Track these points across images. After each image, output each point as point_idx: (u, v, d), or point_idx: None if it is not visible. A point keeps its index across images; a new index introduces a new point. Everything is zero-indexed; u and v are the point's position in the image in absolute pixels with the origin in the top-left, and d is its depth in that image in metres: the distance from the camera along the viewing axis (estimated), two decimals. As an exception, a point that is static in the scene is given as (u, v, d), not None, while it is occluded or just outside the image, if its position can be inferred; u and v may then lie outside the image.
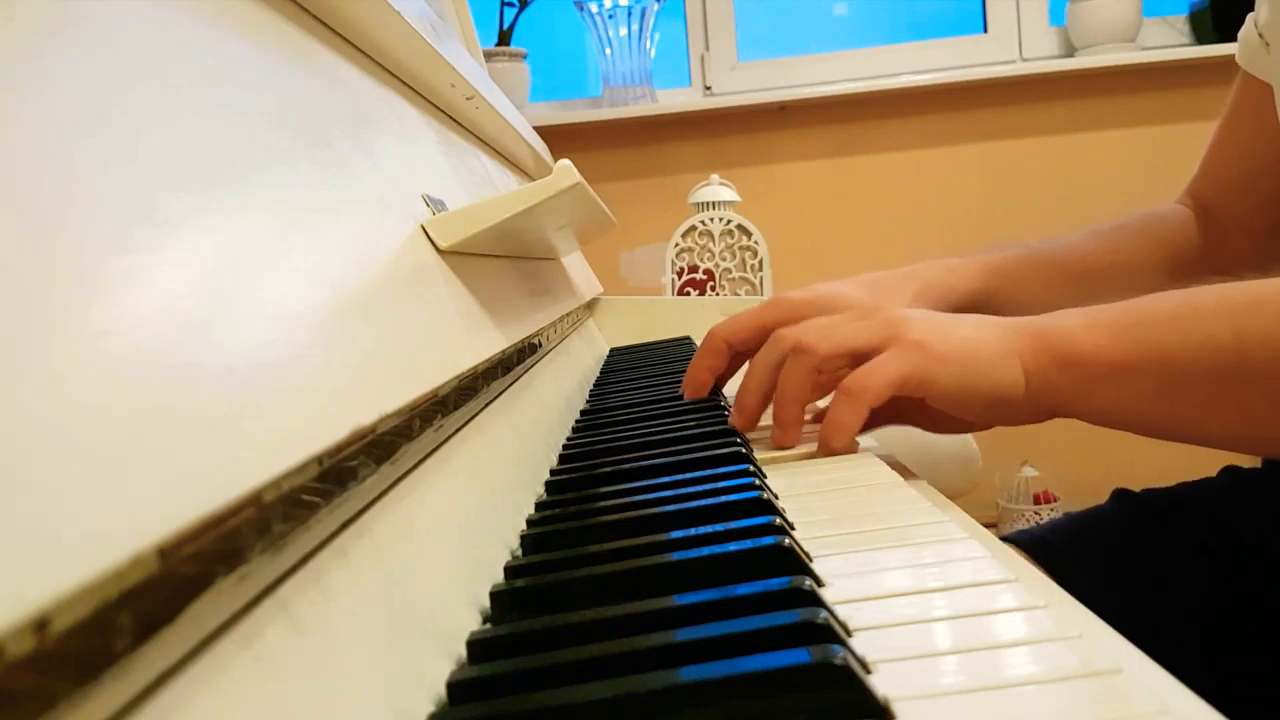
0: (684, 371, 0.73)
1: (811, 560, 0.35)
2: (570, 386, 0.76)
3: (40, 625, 0.14)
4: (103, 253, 0.20)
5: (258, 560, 0.20)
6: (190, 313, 0.22)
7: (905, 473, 0.49)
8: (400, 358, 0.34)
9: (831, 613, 0.29)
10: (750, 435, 0.58)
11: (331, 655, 0.23)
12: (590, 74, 2.42)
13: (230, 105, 0.31)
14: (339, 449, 0.26)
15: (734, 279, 1.60)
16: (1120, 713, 0.23)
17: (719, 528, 0.37)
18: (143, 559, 0.16)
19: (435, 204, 0.50)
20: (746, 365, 0.60)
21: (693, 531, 0.38)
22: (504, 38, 2.21)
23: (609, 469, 0.51)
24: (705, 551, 0.35)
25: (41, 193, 0.19)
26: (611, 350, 1.16)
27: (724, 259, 1.61)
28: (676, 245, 1.62)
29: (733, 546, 0.35)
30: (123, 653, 0.15)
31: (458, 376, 0.40)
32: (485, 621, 0.33)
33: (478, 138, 0.85)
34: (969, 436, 1.31)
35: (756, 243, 1.60)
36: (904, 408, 0.59)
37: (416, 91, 0.64)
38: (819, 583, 0.32)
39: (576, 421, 0.67)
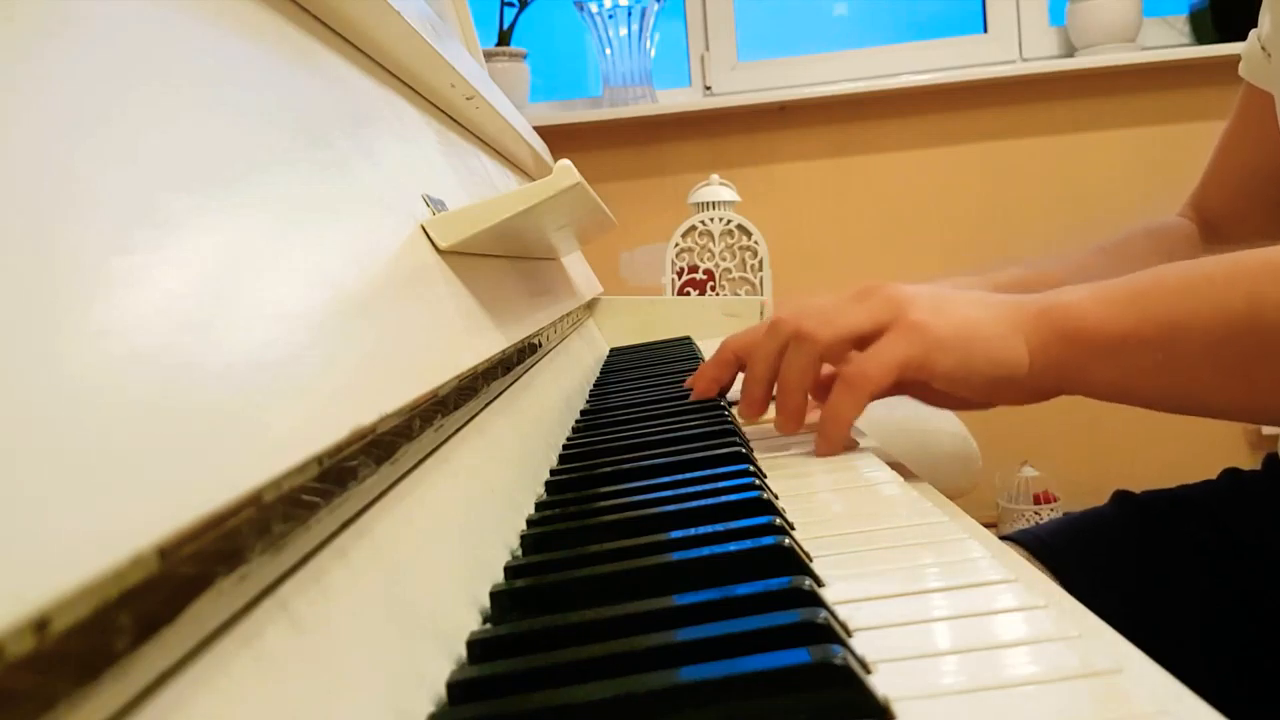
0: (685, 372, 0.73)
1: (811, 560, 0.35)
2: (570, 386, 0.76)
3: (40, 625, 0.14)
4: (103, 253, 0.20)
5: (258, 560, 0.20)
6: (190, 313, 0.22)
7: (905, 473, 0.49)
8: (400, 358, 0.34)
9: (831, 613, 0.29)
10: (750, 429, 0.58)
11: (331, 655, 0.23)
12: (590, 74, 2.42)
13: (230, 105, 0.31)
14: (339, 449, 0.26)
15: (734, 279, 1.60)
16: (1120, 713, 0.23)
17: (719, 528, 0.37)
18: (143, 559, 0.16)
19: (435, 204, 0.50)
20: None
21: (693, 531, 0.38)
22: (504, 38, 2.21)
23: (609, 469, 0.51)
24: (705, 551, 0.35)
25: (41, 193, 0.19)
26: (611, 350, 1.16)
27: (724, 259, 1.61)
28: (676, 245, 1.62)
29: (733, 546, 0.35)
30: (123, 653, 0.15)
31: (458, 376, 0.40)
32: (485, 621, 0.33)
33: (478, 138, 0.85)
34: (969, 437, 1.31)
35: (756, 243, 1.60)
36: (905, 384, 0.58)
37: (416, 91, 0.64)
38: (819, 583, 0.32)
39: (576, 421, 0.67)
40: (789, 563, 0.33)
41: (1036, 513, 2.08)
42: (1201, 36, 2.19)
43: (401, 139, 0.52)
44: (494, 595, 0.34)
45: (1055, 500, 2.10)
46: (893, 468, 0.49)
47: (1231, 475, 0.72)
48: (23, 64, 0.21)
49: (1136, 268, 0.74)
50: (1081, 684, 0.24)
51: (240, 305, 0.24)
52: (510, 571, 0.37)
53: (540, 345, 0.66)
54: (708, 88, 2.33)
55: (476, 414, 0.45)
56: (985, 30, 2.30)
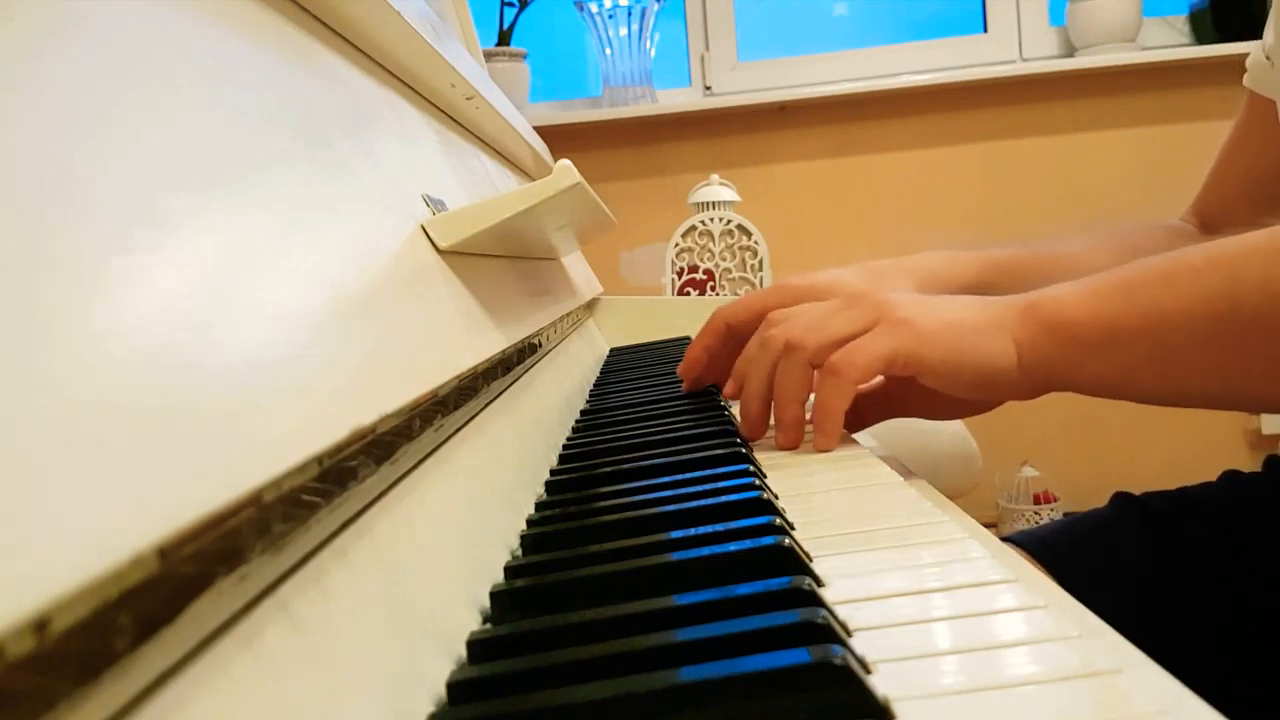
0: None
1: (811, 560, 0.35)
2: (570, 386, 0.76)
3: (40, 625, 0.14)
4: (103, 253, 0.20)
5: (258, 560, 0.20)
6: (190, 312, 0.22)
7: (905, 473, 0.49)
8: (400, 358, 0.34)
9: (831, 613, 0.29)
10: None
11: (331, 655, 0.23)
12: (590, 74, 2.42)
13: (230, 105, 0.31)
14: (339, 449, 0.26)
15: (734, 279, 1.60)
16: (1120, 713, 0.23)
17: (719, 528, 0.37)
18: (143, 559, 0.16)
19: (435, 204, 0.50)
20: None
21: (693, 531, 0.38)
22: (504, 38, 2.21)
23: (609, 469, 0.51)
24: (705, 551, 0.35)
25: (41, 192, 0.19)
26: (611, 350, 1.16)
27: (724, 259, 1.61)
28: (676, 245, 1.62)
29: (733, 546, 0.35)
30: (123, 653, 0.15)
31: (458, 376, 0.40)
32: (485, 621, 0.33)
33: (478, 138, 0.85)
34: (969, 436, 1.31)
35: (756, 243, 1.60)
36: (900, 397, 0.58)
37: (416, 91, 0.64)
38: (819, 583, 0.32)
39: (576, 421, 0.67)
40: (789, 563, 0.33)
41: (1036, 513, 2.08)
42: (1201, 36, 2.19)
43: (401, 139, 0.52)
44: (494, 595, 0.34)
45: (1055, 500, 2.10)
46: (893, 468, 0.49)
47: (1232, 477, 0.72)
48: (23, 64, 0.21)
49: (1131, 258, 0.74)
50: (1081, 684, 0.24)
51: (240, 305, 0.24)
52: (510, 571, 0.37)
53: (540, 345, 0.66)
54: (708, 88, 2.33)
55: (476, 414, 0.45)
56: (985, 30, 2.30)
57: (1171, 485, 0.72)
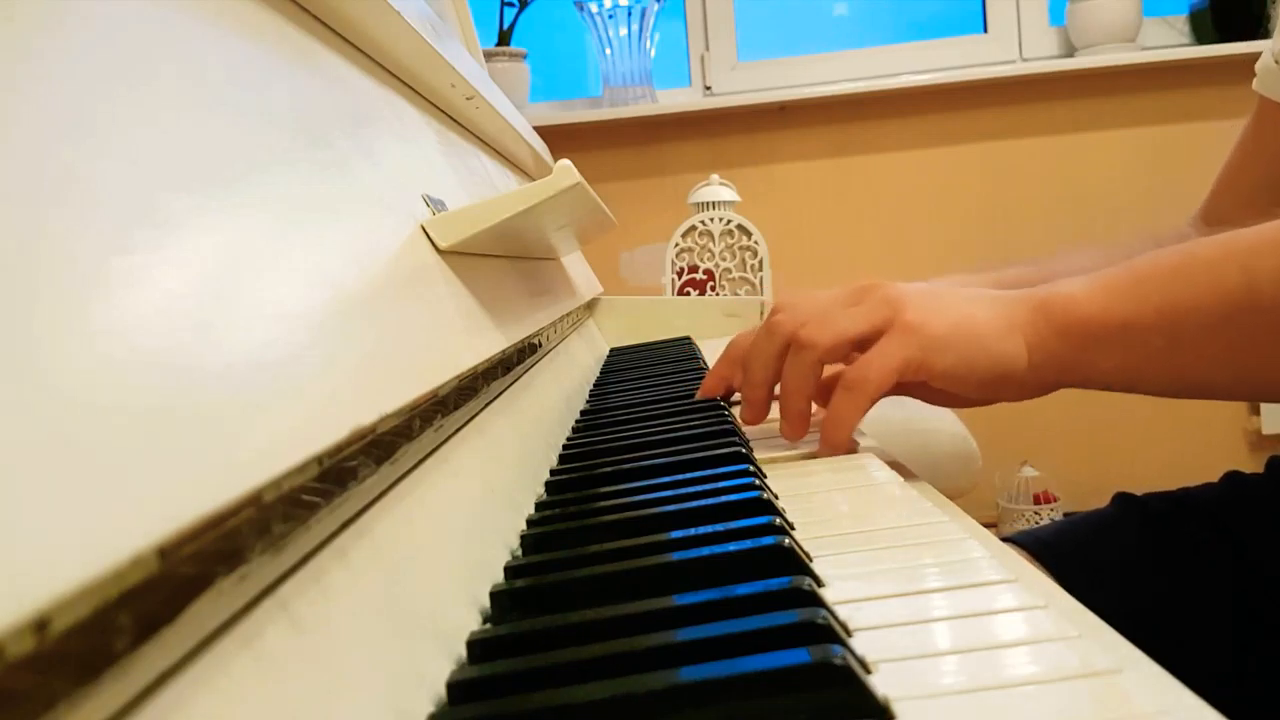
0: (685, 371, 0.73)
1: (811, 560, 0.35)
2: (570, 386, 0.76)
3: (40, 625, 0.14)
4: (103, 252, 0.20)
5: (258, 560, 0.20)
6: (190, 312, 0.22)
7: (905, 473, 0.49)
8: (400, 358, 0.34)
9: (831, 613, 0.29)
10: (750, 429, 0.58)
11: (331, 655, 0.23)
12: (590, 74, 2.42)
13: (230, 105, 0.31)
14: (339, 449, 0.26)
15: (734, 279, 1.60)
16: (1120, 713, 0.23)
17: (719, 528, 0.37)
18: (143, 559, 0.16)
19: (435, 204, 0.50)
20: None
21: (693, 531, 0.38)
22: (504, 38, 2.21)
23: (609, 469, 0.51)
24: (705, 551, 0.35)
25: (41, 193, 0.19)
26: (611, 350, 1.16)
27: (724, 259, 1.61)
28: (676, 245, 1.62)
29: (733, 546, 0.35)
30: (123, 653, 0.15)
31: (458, 376, 0.40)
32: (485, 621, 0.33)
33: (478, 138, 0.85)
34: (969, 436, 1.31)
35: (756, 243, 1.60)
36: (904, 385, 0.58)
37: (416, 91, 0.64)
38: (819, 583, 0.32)
39: (576, 421, 0.67)
40: (789, 563, 0.33)
41: (1036, 513, 2.08)
42: (1201, 36, 2.19)
43: (401, 139, 0.52)
44: (494, 595, 0.34)
45: (1055, 500, 2.10)
46: (893, 468, 0.49)
47: (1233, 478, 0.72)
48: (23, 64, 0.21)
49: None
50: (1081, 684, 0.24)
51: (240, 305, 0.24)
52: (510, 571, 0.37)
53: (540, 345, 0.66)
54: (708, 88, 2.33)
55: (476, 414, 0.45)
56: (985, 30, 2.30)
57: (1172, 485, 0.72)
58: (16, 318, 0.17)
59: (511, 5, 2.21)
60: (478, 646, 0.30)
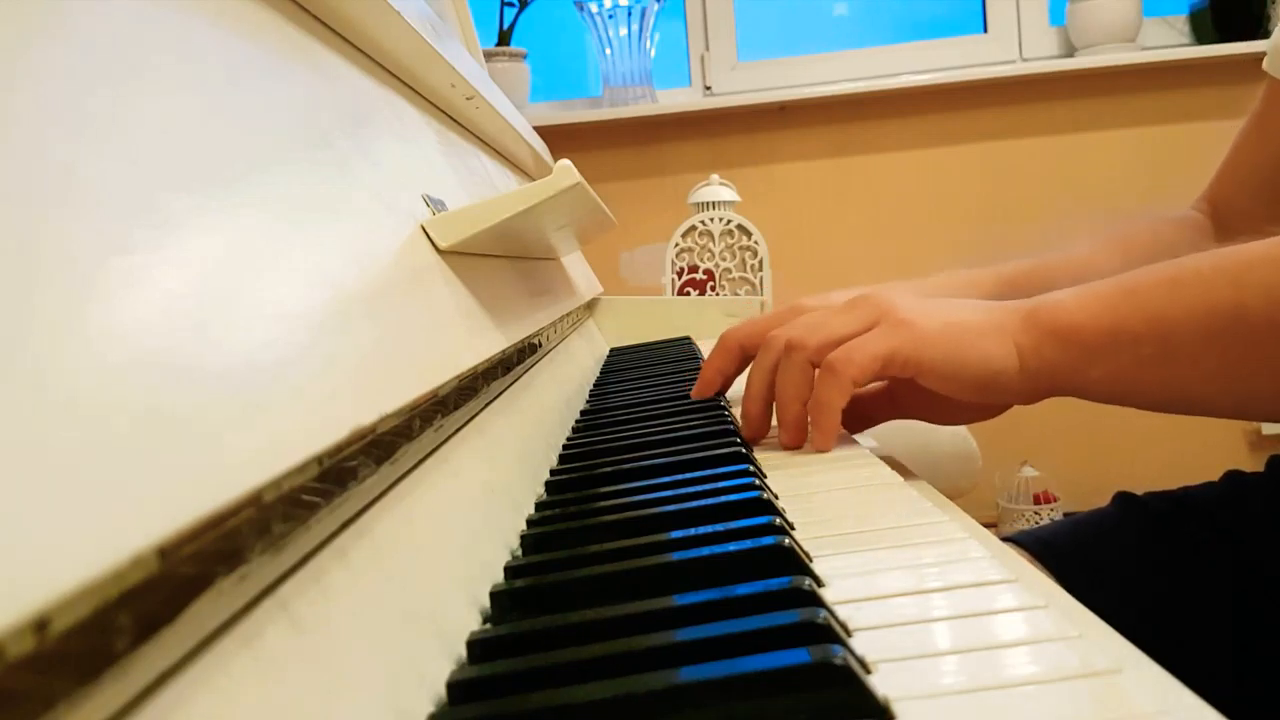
0: (685, 371, 0.73)
1: (811, 560, 0.35)
2: (570, 386, 0.76)
3: (40, 625, 0.14)
4: (103, 252, 0.20)
5: (258, 560, 0.20)
6: (190, 312, 0.22)
7: (905, 473, 0.49)
8: (400, 358, 0.34)
9: (831, 613, 0.29)
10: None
11: (331, 655, 0.23)
12: (590, 74, 2.42)
13: (230, 105, 0.31)
14: (339, 449, 0.26)
15: (734, 279, 1.60)
16: (1120, 713, 0.23)
17: (719, 528, 0.37)
18: (143, 559, 0.16)
19: (435, 204, 0.50)
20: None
21: (693, 531, 0.38)
22: (504, 38, 2.21)
23: (609, 469, 0.51)
24: (705, 551, 0.35)
25: (41, 192, 0.19)
26: (611, 350, 1.16)
27: (724, 259, 1.61)
28: (676, 245, 1.62)
29: (733, 546, 0.35)
30: (123, 653, 0.15)
31: (458, 376, 0.40)
32: (485, 621, 0.33)
33: (478, 138, 0.85)
34: (969, 436, 1.31)
35: (756, 243, 1.60)
36: (903, 399, 0.58)
37: (416, 91, 0.64)
38: (819, 583, 0.32)
39: (576, 421, 0.67)
40: (789, 563, 0.33)
41: (1036, 513, 2.08)
42: (1201, 36, 2.19)
43: (401, 139, 0.52)
44: (494, 595, 0.34)
45: (1055, 500, 2.10)
46: (893, 468, 0.49)
47: (1233, 477, 0.72)
48: (22, 63, 0.21)
49: (1138, 263, 0.73)
50: (1081, 684, 0.24)
51: (240, 305, 0.24)
52: (510, 571, 0.37)
53: (540, 345, 0.66)
54: (708, 88, 2.33)
55: (476, 414, 0.45)
56: (985, 30, 2.30)
57: (1171, 485, 0.72)
58: (16, 317, 0.17)
59: (511, 5, 2.20)
60: (478, 646, 0.30)
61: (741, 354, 0.65)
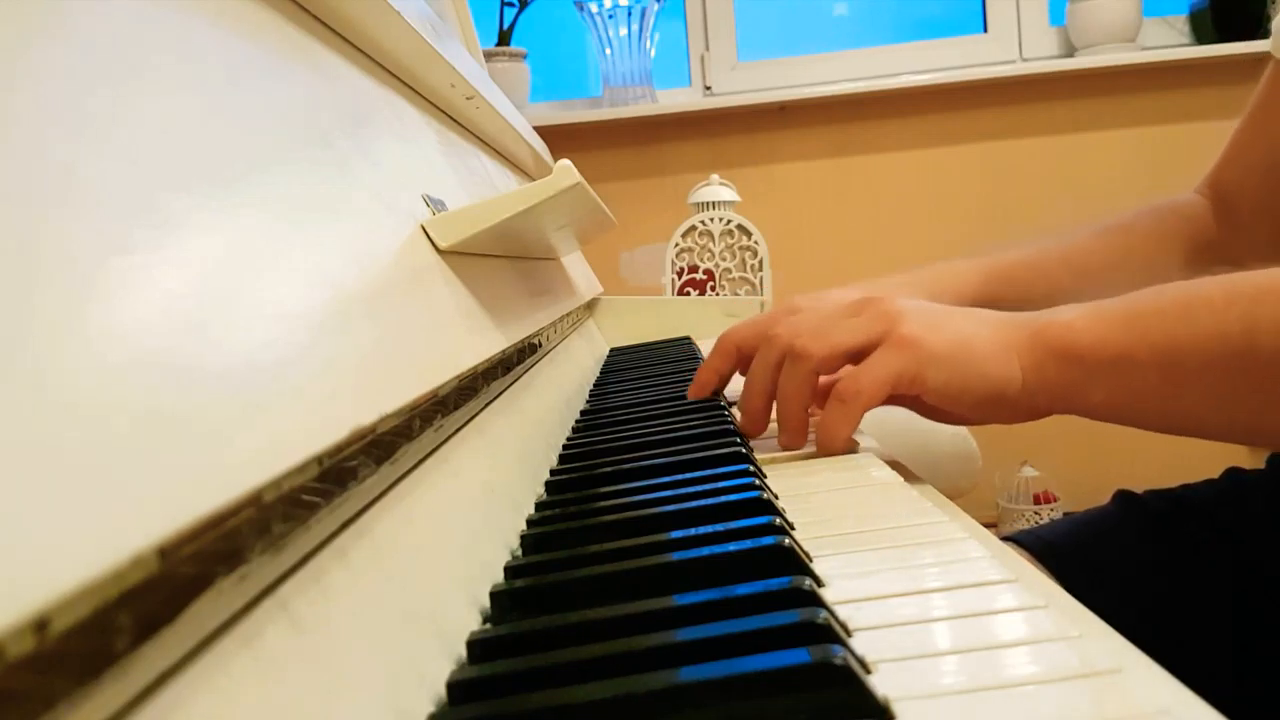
0: (685, 371, 0.73)
1: (811, 560, 0.35)
2: (570, 386, 0.76)
3: (40, 625, 0.14)
4: (102, 252, 0.20)
5: (258, 560, 0.20)
6: (190, 312, 0.22)
7: (905, 473, 0.49)
8: (400, 358, 0.34)
9: (831, 613, 0.29)
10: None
11: (331, 655, 0.23)
12: (590, 74, 2.42)
13: (230, 105, 0.31)
14: (339, 449, 0.26)
15: (734, 279, 1.60)
16: (1120, 713, 0.23)
17: (719, 528, 0.37)
18: (143, 559, 0.16)
19: (435, 204, 0.50)
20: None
21: (693, 531, 0.38)
22: (504, 38, 2.21)
23: (609, 469, 0.51)
24: (705, 551, 0.35)
25: (40, 193, 0.19)
26: (611, 350, 1.16)
27: (724, 259, 1.61)
28: (676, 245, 1.62)
29: (733, 546, 0.35)
30: (123, 653, 0.15)
31: (458, 376, 0.40)
32: (485, 621, 0.33)
33: (478, 138, 0.85)
34: (969, 436, 1.31)
35: (756, 243, 1.60)
36: (902, 398, 0.58)
37: (416, 91, 0.64)
38: (819, 583, 0.32)
39: (576, 421, 0.67)
40: (789, 563, 0.33)
41: (1036, 513, 2.08)
42: (1201, 36, 2.19)
43: (401, 139, 0.52)
44: (494, 595, 0.34)
45: (1055, 500, 2.10)
46: (893, 468, 0.49)
47: (1234, 475, 0.72)
48: (22, 63, 0.21)
49: (1139, 252, 0.73)
50: (1081, 684, 0.24)
51: (240, 305, 0.24)
52: (510, 571, 0.37)
53: (540, 345, 0.66)
54: (708, 88, 2.33)
55: (476, 414, 0.45)
56: (985, 30, 2.30)
57: (1171, 485, 0.72)
58: (17, 317, 0.17)
59: (511, 5, 2.20)
60: (478, 646, 0.30)
61: (738, 355, 0.65)
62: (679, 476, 0.47)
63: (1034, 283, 0.74)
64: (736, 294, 1.59)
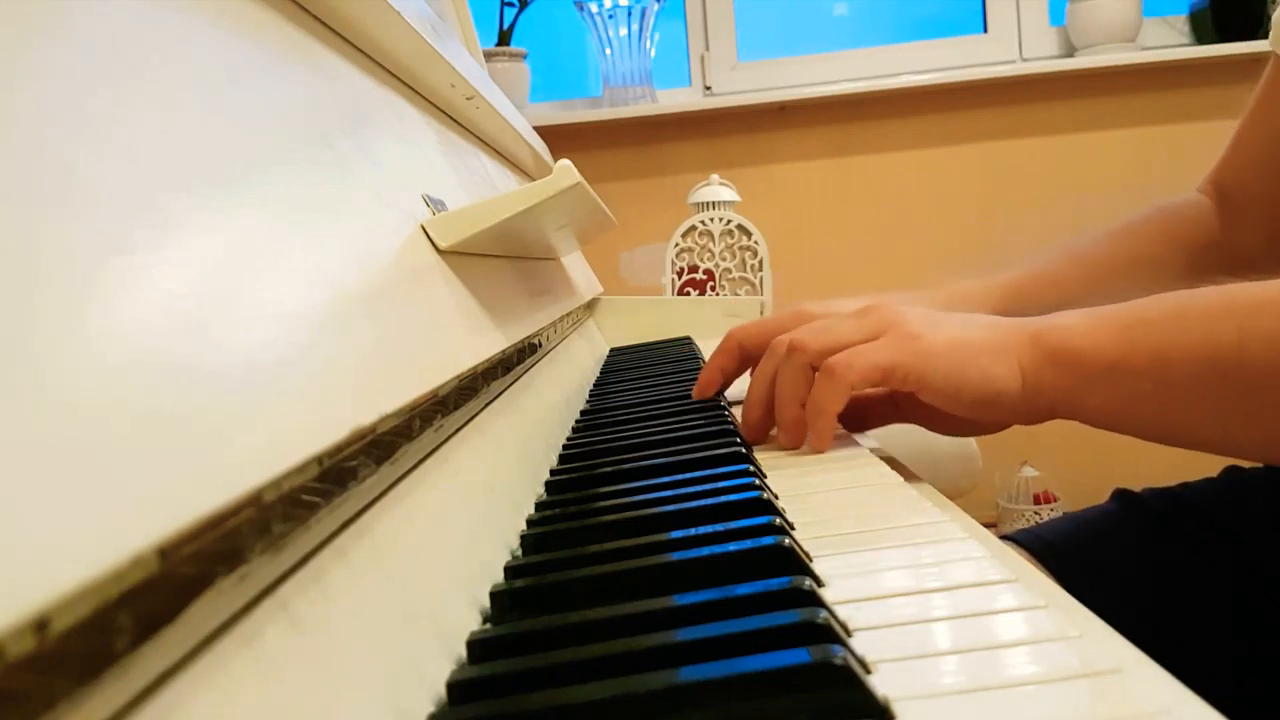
0: (685, 371, 0.73)
1: (811, 560, 0.35)
2: (570, 386, 0.76)
3: (40, 625, 0.14)
4: (102, 253, 0.20)
5: (258, 560, 0.20)
6: (190, 312, 0.22)
7: (905, 473, 0.49)
8: (400, 358, 0.34)
9: (831, 613, 0.29)
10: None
11: (331, 655, 0.23)
12: (590, 74, 2.42)
13: (230, 105, 0.31)
14: (339, 449, 0.26)
15: (734, 279, 1.60)
16: (1120, 712, 0.23)
17: (719, 528, 0.37)
18: (143, 559, 0.16)
19: (435, 204, 0.50)
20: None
21: (693, 531, 0.38)
22: (504, 38, 2.21)
23: (609, 469, 0.51)
24: (705, 551, 0.35)
25: (40, 193, 0.19)
26: (611, 350, 1.16)
27: (724, 259, 1.61)
28: (676, 245, 1.62)
29: (733, 546, 0.35)
30: (123, 653, 0.15)
31: (458, 376, 0.40)
32: (485, 621, 0.33)
33: (478, 138, 0.85)
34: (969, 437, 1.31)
35: (756, 243, 1.60)
36: (905, 406, 0.59)
37: (416, 91, 0.64)
38: (819, 583, 0.32)
39: (576, 421, 0.67)
40: (789, 563, 0.33)
41: (1036, 513, 2.08)
42: (1201, 36, 2.19)
43: (401, 139, 0.52)
44: (494, 595, 0.34)
45: (1055, 500, 2.10)
46: (893, 468, 0.49)
47: (1234, 474, 0.72)
48: (22, 63, 0.21)
49: (1147, 255, 0.73)
50: (1081, 684, 0.24)
51: (240, 305, 0.24)
52: (510, 571, 0.37)
53: (540, 345, 0.66)
54: (708, 88, 2.33)
55: (476, 414, 0.45)
56: (985, 30, 2.30)
57: (1171, 484, 0.72)
58: (17, 317, 0.17)
59: (511, 5, 2.20)
60: (478, 646, 0.30)
61: (741, 353, 0.65)
62: (679, 476, 0.47)
63: (1046, 297, 0.74)
64: (736, 294, 1.59)
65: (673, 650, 0.27)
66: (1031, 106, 2.23)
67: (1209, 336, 0.47)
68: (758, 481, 0.44)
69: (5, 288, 0.17)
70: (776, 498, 0.44)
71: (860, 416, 0.60)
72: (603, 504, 0.45)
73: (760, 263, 1.60)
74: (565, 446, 0.59)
